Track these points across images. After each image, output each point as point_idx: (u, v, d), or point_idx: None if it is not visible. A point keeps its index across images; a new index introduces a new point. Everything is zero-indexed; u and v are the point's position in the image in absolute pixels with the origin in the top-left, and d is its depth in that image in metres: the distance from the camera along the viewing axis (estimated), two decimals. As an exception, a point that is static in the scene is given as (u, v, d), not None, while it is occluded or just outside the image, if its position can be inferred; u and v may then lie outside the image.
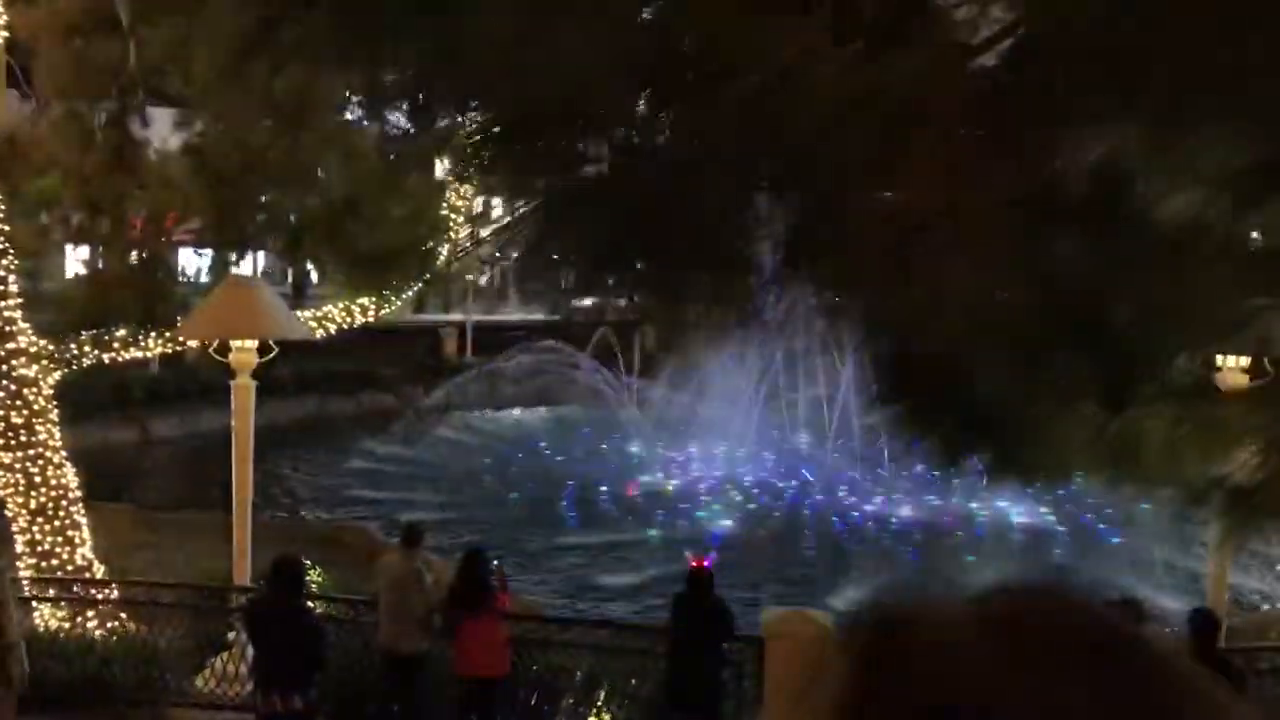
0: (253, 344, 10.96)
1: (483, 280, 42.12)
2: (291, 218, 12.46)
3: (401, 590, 10.00)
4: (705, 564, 10.00)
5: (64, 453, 14.04)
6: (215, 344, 11.05)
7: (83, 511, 13.74)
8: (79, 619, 12.18)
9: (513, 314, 53.30)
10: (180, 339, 12.15)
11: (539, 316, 51.67)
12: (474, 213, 14.86)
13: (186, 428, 27.40)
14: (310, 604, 9.34)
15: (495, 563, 9.93)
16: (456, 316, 41.40)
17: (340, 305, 14.56)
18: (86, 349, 12.49)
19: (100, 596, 12.50)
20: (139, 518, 18.85)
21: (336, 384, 31.17)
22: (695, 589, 9.50)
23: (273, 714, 9.03)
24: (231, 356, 11.00)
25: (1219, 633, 8.91)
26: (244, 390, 11.12)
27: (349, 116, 12.94)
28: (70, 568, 13.16)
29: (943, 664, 0.70)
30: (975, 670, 0.69)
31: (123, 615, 12.27)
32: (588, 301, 4.12)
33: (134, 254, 11.81)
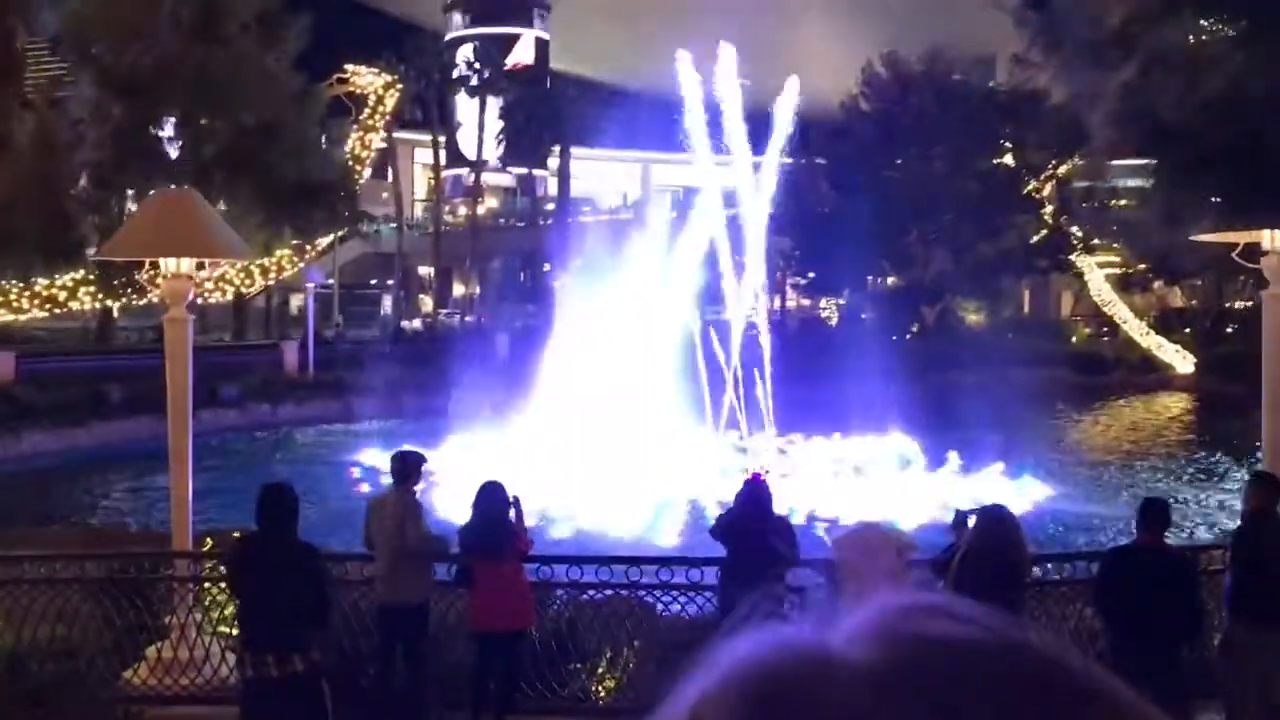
0: (189, 265, 9.25)
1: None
2: (204, 145, 10.70)
3: (395, 532, 8.49)
4: (761, 477, 8.84)
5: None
6: (146, 267, 9.29)
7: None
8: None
9: (345, 329, 50.91)
10: (88, 272, 10.21)
11: (375, 333, 49.98)
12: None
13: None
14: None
15: (515, 497, 8.51)
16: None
17: (239, 265, 12.79)
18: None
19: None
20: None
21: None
22: (755, 505, 8.31)
23: (265, 680, 7.35)
24: (163, 283, 9.24)
25: None
26: (179, 325, 9.37)
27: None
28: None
29: None
30: None
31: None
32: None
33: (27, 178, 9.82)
